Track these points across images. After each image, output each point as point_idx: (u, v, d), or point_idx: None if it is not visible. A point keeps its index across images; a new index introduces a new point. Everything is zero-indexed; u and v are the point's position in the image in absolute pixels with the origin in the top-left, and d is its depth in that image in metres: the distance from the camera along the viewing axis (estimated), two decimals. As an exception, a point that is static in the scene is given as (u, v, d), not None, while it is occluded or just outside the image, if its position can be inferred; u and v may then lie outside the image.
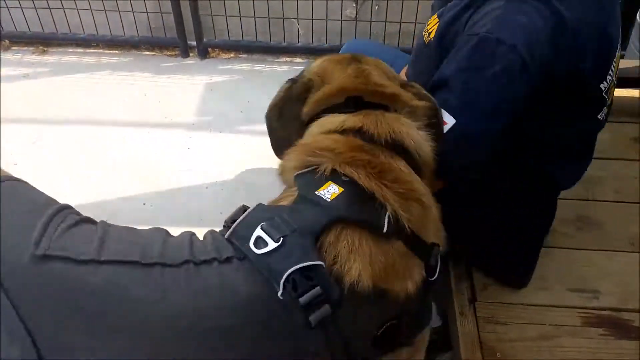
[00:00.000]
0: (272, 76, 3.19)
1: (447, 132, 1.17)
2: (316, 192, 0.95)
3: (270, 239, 0.89)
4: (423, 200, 1.00)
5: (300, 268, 0.85)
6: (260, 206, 0.98)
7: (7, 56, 3.36)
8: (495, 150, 1.25)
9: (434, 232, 1.02)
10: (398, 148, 1.04)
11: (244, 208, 0.99)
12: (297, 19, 3.17)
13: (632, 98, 2.20)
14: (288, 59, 3.33)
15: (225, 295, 0.86)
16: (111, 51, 3.41)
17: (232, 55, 3.36)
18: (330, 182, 0.97)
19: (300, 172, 1.02)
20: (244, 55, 3.32)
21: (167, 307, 0.82)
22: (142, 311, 0.82)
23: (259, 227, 0.91)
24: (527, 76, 1.17)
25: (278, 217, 0.92)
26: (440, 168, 1.13)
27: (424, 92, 1.18)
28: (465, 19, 1.28)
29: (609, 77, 1.34)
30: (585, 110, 1.38)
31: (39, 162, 2.53)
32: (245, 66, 3.26)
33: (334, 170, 0.98)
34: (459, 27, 1.29)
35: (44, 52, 3.38)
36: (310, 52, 3.30)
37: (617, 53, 1.36)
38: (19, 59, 3.33)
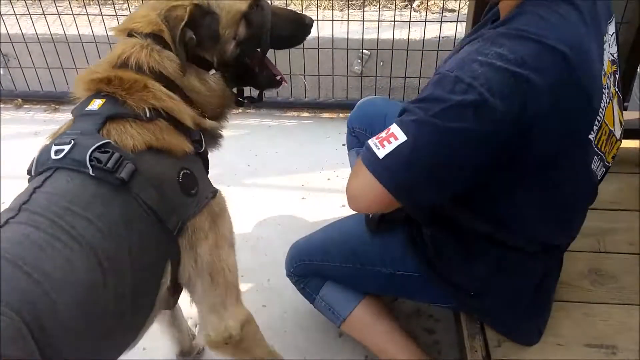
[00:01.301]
0: (280, 130, 3.22)
1: (397, 147, 1.14)
2: (86, 109, 1.25)
3: (64, 146, 1.16)
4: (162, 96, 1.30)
5: (96, 148, 1.14)
6: (50, 142, 1.24)
7: (19, 114, 3.43)
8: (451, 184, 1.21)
9: (189, 119, 1.34)
10: (140, 69, 1.30)
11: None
12: (304, 75, 3.23)
13: (636, 149, 2.18)
14: (295, 113, 3.37)
15: (59, 193, 1.12)
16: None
17: (240, 110, 3.41)
18: (93, 99, 1.27)
19: (75, 106, 1.31)
20: (252, 111, 3.36)
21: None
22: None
23: (52, 148, 1.18)
24: (487, 116, 1.09)
25: (65, 135, 1.21)
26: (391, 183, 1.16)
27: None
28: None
29: (595, 127, 1.24)
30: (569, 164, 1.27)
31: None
32: (253, 121, 3.30)
33: (96, 91, 1.29)
34: None
35: (55, 110, 3.45)
36: (317, 106, 3.35)
37: (607, 95, 1.27)
38: (30, 117, 3.40)
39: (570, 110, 1.15)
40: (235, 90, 1.54)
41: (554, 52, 1.09)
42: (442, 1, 3.53)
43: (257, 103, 1.61)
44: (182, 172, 1.26)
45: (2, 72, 3.46)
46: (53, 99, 3.48)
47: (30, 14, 3.26)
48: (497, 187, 1.27)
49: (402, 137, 1.13)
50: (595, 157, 1.31)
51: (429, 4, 3.52)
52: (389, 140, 1.15)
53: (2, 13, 3.26)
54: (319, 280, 1.78)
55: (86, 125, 1.21)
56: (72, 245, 1.06)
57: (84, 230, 1.08)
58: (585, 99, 1.18)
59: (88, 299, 1.05)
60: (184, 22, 1.29)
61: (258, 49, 1.48)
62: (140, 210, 1.17)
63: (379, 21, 3.09)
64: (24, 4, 3.34)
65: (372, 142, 1.18)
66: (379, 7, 3.39)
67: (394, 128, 1.15)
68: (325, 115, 3.36)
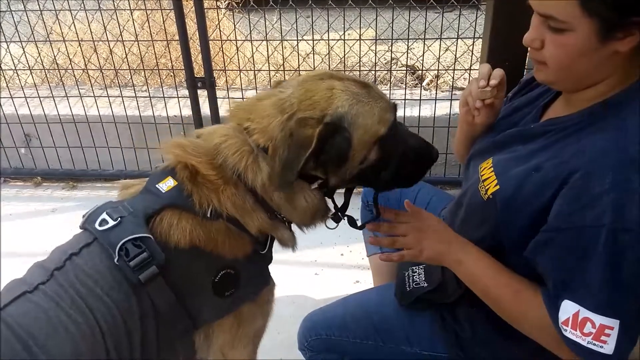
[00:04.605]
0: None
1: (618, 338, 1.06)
2: (156, 185, 1.23)
3: (110, 219, 1.18)
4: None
5: (131, 239, 1.14)
6: (110, 202, 1.27)
7: (38, 192, 3.50)
8: None
9: (255, 228, 1.26)
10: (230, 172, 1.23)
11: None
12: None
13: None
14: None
15: (88, 271, 1.14)
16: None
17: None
18: (169, 176, 1.25)
19: (155, 170, 1.30)
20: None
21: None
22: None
23: (105, 212, 1.21)
24: None
25: (121, 205, 1.22)
26: None
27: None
28: (539, 182, 1.16)
29: None
30: None
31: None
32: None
33: (173, 169, 1.26)
34: (529, 193, 1.18)
35: (73, 187, 3.51)
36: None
37: None
38: (48, 195, 3.46)
39: None
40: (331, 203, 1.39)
41: None
42: (451, 80, 3.63)
43: (355, 228, 1.44)
44: (222, 273, 1.23)
45: (23, 152, 3.57)
46: (71, 177, 3.56)
47: (53, 96, 3.39)
48: None
49: (614, 323, 1.07)
50: None
51: (438, 82, 3.62)
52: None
53: (26, 95, 3.40)
54: (336, 357, 1.67)
55: (142, 206, 1.21)
56: (85, 330, 1.08)
57: (100, 315, 1.11)
58: None
59: None
60: (310, 151, 1.14)
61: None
62: (152, 310, 1.18)
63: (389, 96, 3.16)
64: (48, 87, 3.49)
65: (585, 342, 1.09)
66: (390, 86, 3.49)
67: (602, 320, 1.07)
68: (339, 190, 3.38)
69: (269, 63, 3.34)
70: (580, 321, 1.09)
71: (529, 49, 1.20)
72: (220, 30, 3.36)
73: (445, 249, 1.32)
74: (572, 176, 1.10)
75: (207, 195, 1.21)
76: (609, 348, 1.08)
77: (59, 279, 1.13)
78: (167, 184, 1.23)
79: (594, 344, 1.08)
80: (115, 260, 1.14)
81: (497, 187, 1.25)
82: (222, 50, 3.43)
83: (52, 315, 1.07)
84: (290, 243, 1.37)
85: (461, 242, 1.33)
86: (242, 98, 3.29)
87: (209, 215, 1.20)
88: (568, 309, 1.11)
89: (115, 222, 1.17)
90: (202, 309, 1.24)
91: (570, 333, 1.11)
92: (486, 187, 1.29)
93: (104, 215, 1.20)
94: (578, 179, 1.09)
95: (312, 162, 1.18)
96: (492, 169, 1.31)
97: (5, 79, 3.62)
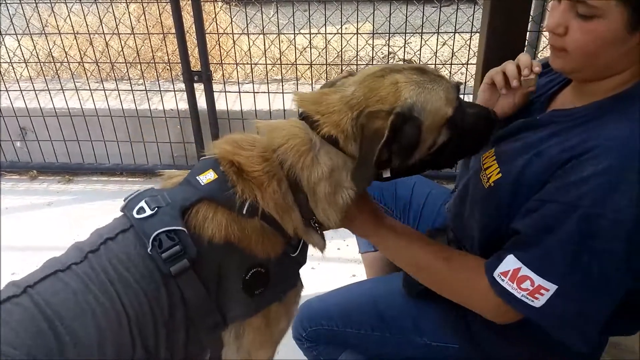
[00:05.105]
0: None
1: (550, 298, 1.10)
2: (196, 177, 1.22)
3: (148, 208, 1.18)
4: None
5: (165, 230, 1.13)
6: (151, 189, 1.26)
7: (34, 186, 3.49)
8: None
9: (291, 228, 1.25)
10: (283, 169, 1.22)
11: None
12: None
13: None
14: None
15: (121, 257, 1.14)
16: (134, 179, 3.52)
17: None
18: (210, 169, 1.23)
19: (199, 162, 1.28)
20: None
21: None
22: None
23: (143, 200, 1.20)
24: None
25: (160, 194, 1.21)
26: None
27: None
28: (540, 168, 1.16)
29: None
30: None
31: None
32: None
33: (216, 160, 1.24)
34: (531, 178, 1.18)
35: (69, 181, 3.51)
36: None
37: None
38: (44, 188, 3.45)
39: None
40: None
41: None
42: (448, 74, 3.63)
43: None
44: (253, 271, 1.22)
45: (19, 145, 3.55)
46: (67, 170, 3.55)
47: (49, 90, 3.38)
48: None
49: (551, 287, 1.10)
50: None
51: (435, 77, 3.61)
52: None
53: (22, 88, 3.39)
54: (336, 348, 1.62)
55: (180, 197, 1.20)
56: (111, 315, 1.09)
57: (128, 302, 1.12)
58: None
59: None
60: (383, 141, 1.13)
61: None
62: (182, 303, 1.17)
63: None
64: (44, 80, 3.48)
65: (519, 295, 1.13)
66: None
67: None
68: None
69: (265, 57, 3.33)
70: (520, 277, 1.12)
71: (549, 35, 1.19)
72: (217, 24, 3.35)
73: (374, 228, 1.35)
74: (571, 161, 1.10)
75: (250, 190, 1.20)
76: (539, 303, 1.11)
77: (92, 261, 1.14)
78: (207, 177, 1.22)
79: (527, 298, 1.12)
80: (149, 250, 1.14)
81: (500, 175, 1.25)
82: (219, 44, 3.42)
83: (81, 297, 1.08)
84: (319, 246, 1.36)
85: (391, 224, 1.36)
86: (239, 92, 3.29)
87: (245, 212, 1.19)
88: (510, 262, 1.14)
89: (152, 212, 1.18)
90: (231, 306, 1.23)
91: (506, 283, 1.14)
92: (488, 175, 1.29)
93: (142, 203, 1.20)
94: (576, 162, 1.09)
95: (385, 153, 1.15)
96: (494, 157, 1.30)
97: (0, 72, 3.60)
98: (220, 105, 3.34)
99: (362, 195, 1.32)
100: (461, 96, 1.28)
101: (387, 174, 1.23)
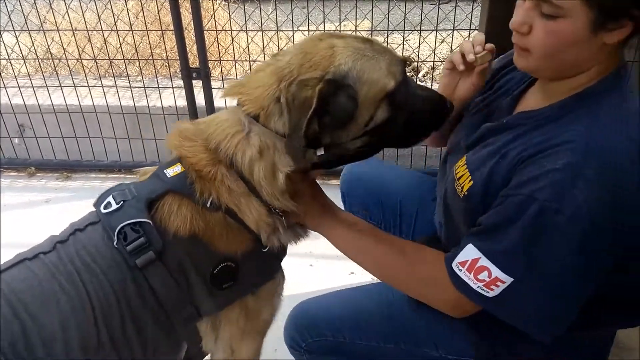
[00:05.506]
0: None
1: (504, 290, 1.11)
2: (164, 170, 1.22)
3: (114, 202, 1.20)
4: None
5: (130, 223, 1.15)
6: (121, 184, 1.27)
7: (32, 182, 3.49)
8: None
9: (254, 223, 1.22)
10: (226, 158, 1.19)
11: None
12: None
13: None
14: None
15: (88, 248, 1.16)
16: (132, 176, 3.51)
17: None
18: (178, 163, 1.23)
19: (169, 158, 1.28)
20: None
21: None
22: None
23: (111, 195, 1.22)
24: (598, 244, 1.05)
25: (127, 188, 1.23)
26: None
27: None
28: (506, 169, 1.17)
29: None
30: None
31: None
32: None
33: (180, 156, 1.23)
34: (498, 180, 1.18)
35: (67, 178, 3.50)
36: (325, 173, 3.37)
37: None
38: (42, 185, 3.45)
39: None
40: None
41: None
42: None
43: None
44: (222, 265, 1.21)
45: (17, 142, 3.55)
46: (65, 167, 3.54)
47: (47, 86, 3.37)
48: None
49: (506, 279, 1.10)
50: None
51: (434, 74, 3.61)
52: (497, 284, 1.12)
53: (20, 85, 3.38)
54: None
55: (146, 191, 1.21)
56: (76, 304, 1.10)
57: (93, 291, 1.12)
58: None
59: None
60: (311, 111, 1.06)
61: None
62: (152, 294, 1.18)
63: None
64: (42, 77, 3.47)
65: (474, 286, 1.14)
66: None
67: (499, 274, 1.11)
68: (333, 182, 3.37)
69: (264, 54, 3.33)
70: (477, 267, 1.13)
71: (513, 33, 1.18)
72: (215, 21, 3.34)
73: (323, 219, 1.34)
74: (533, 157, 1.11)
75: (210, 185, 1.19)
76: (493, 294, 1.12)
77: (60, 251, 1.15)
78: (174, 170, 1.23)
79: (482, 289, 1.13)
80: (115, 243, 1.15)
81: (471, 182, 1.24)
82: (217, 41, 3.41)
83: (46, 285, 1.09)
84: (288, 238, 1.33)
85: (344, 217, 1.35)
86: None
87: (208, 205, 1.18)
88: (470, 252, 1.14)
89: (117, 206, 1.19)
90: (201, 299, 1.23)
91: (464, 274, 1.15)
92: (461, 185, 1.27)
93: (109, 198, 1.22)
94: (537, 157, 1.10)
95: (315, 124, 1.09)
96: (465, 166, 1.29)
97: (-2, 68, 3.59)
98: (218, 102, 3.33)
99: (312, 186, 1.31)
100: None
101: (320, 151, 1.16)
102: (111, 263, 1.15)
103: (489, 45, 1.34)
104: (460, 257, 1.16)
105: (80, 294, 1.10)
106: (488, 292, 1.12)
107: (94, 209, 1.25)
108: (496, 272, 1.10)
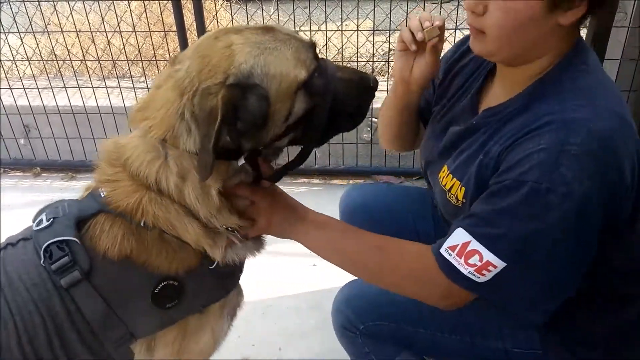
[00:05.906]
0: (291, 197, 3.24)
1: (496, 275, 1.09)
2: (100, 189, 1.17)
3: (45, 219, 1.17)
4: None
5: (56, 241, 1.11)
6: (59, 201, 1.24)
7: (37, 183, 3.52)
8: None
9: (192, 241, 1.15)
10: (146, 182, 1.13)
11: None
12: (315, 142, 3.28)
13: None
14: (305, 180, 3.42)
15: (16, 264, 1.14)
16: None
17: (251, 178, 3.46)
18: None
19: None
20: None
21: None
22: None
23: (44, 212, 1.20)
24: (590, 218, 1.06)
25: (61, 206, 1.20)
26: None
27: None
28: (491, 163, 1.16)
29: None
30: None
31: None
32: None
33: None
34: (486, 176, 1.17)
35: (72, 178, 3.53)
36: (327, 173, 3.40)
37: None
38: (47, 185, 3.48)
39: None
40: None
41: None
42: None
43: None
44: (163, 284, 1.15)
45: (22, 142, 3.58)
46: (70, 168, 3.57)
47: (52, 87, 3.40)
48: None
49: (499, 264, 1.08)
50: None
51: (435, 74, 3.61)
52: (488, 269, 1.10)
53: (25, 86, 3.40)
54: (394, 349, 1.45)
55: (77, 209, 1.17)
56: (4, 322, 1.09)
57: (16, 309, 1.10)
58: None
59: None
60: (217, 124, 0.98)
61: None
62: (79, 315, 1.13)
63: (387, 91, 3.17)
64: (47, 78, 3.49)
65: (465, 272, 1.11)
66: (387, 78, 3.50)
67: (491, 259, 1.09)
68: (336, 181, 3.40)
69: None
70: (468, 251, 1.10)
71: (468, 14, 1.15)
72: (217, 21, 3.36)
73: (292, 225, 1.28)
74: (513, 144, 1.10)
75: (137, 210, 1.12)
76: (484, 279, 1.10)
77: None
78: (105, 191, 1.17)
79: (473, 274, 1.10)
80: (41, 261, 1.12)
81: (463, 189, 1.23)
82: (220, 41, 3.43)
83: None
84: (247, 255, 1.27)
85: (313, 218, 1.30)
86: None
87: (143, 224, 1.12)
88: (460, 235, 1.12)
89: (47, 223, 1.16)
90: (139, 320, 1.17)
91: (454, 258, 1.12)
92: (455, 195, 1.26)
93: (42, 215, 1.20)
94: (519, 142, 1.09)
95: (225, 134, 1.02)
96: (451, 176, 1.28)
97: (3, 70, 3.61)
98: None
99: (268, 196, 1.24)
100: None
101: (241, 161, 1.12)
102: (37, 281, 1.12)
103: (438, 22, 1.27)
104: (450, 242, 1.13)
105: (3, 312, 1.08)
106: (479, 277, 1.10)
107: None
108: (488, 255, 1.08)
